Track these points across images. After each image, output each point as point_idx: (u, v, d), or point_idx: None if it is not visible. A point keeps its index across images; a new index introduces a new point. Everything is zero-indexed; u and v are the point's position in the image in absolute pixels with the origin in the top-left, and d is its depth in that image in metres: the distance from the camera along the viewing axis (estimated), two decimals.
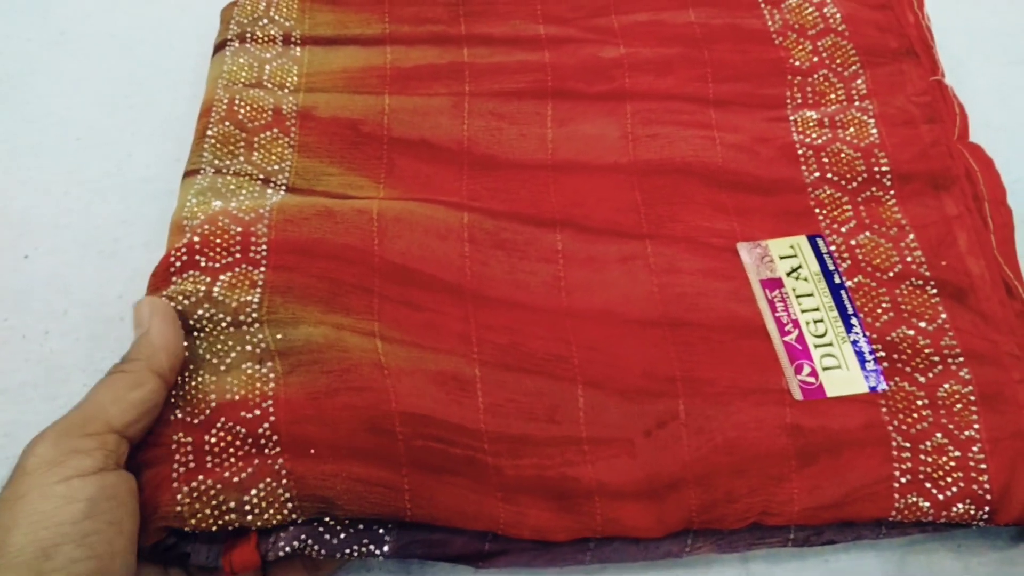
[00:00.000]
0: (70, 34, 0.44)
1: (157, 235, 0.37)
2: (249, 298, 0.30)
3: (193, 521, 0.26)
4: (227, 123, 0.36)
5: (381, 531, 0.28)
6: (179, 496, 0.26)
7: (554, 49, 0.40)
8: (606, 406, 0.30)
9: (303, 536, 0.27)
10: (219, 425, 0.27)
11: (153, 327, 0.28)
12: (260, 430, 0.27)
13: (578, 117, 0.38)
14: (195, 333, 0.29)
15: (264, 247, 0.32)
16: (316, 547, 0.27)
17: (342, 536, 0.27)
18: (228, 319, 0.30)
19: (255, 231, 0.32)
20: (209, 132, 0.35)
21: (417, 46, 0.40)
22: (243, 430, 0.27)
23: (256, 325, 0.30)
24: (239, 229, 0.32)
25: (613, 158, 0.37)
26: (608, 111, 0.38)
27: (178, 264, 0.31)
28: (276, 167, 0.35)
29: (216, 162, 0.34)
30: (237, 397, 0.28)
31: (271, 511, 0.26)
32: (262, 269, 0.31)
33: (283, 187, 0.35)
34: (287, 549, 0.27)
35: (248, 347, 0.29)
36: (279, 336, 0.29)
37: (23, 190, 0.39)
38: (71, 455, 0.23)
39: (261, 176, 0.35)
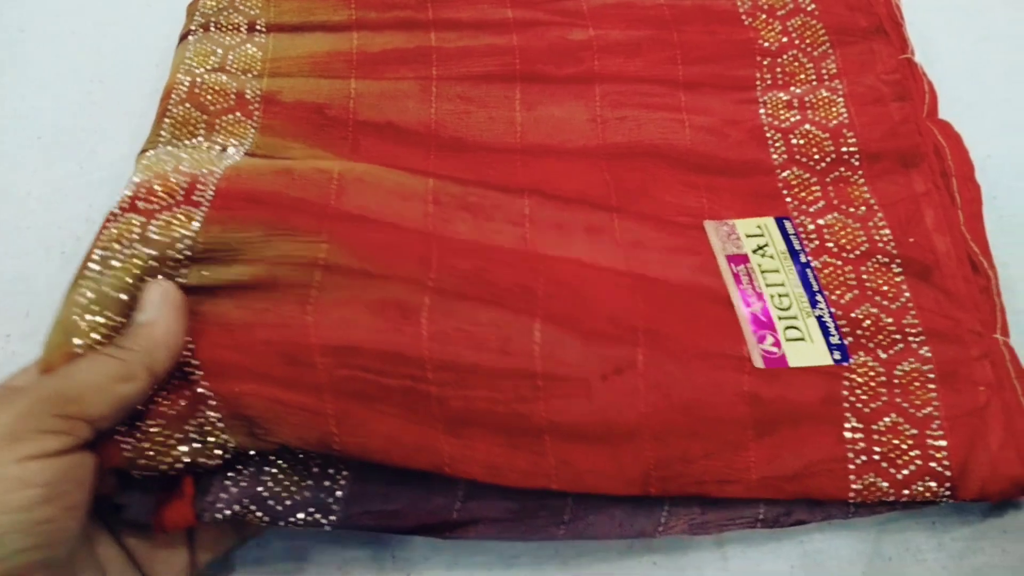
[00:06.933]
0: (30, 31, 0.43)
1: None
2: (184, 232, 0.28)
3: (141, 462, 0.25)
4: (187, 104, 0.35)
5: (329, 500, 0.27)
6: (125, 443, 0.25)
7: (522, 32, 0.39)
8: (563, 342, 0.29)
9: (245, 500, 0.26)
10: None
11: (162, 320, 0.25)
12: (181, 359, 0.26)
13: (547, 100, 0.38)
14: (109, 265, 0.27)
15: (211, 192, 0.30)
16: (259, 513, 0.26)
17: (287, 503, 0.27)
18: (155, 254, 0.28)
19: (203, 180, 0.30)
20: (169, 113, 0.34)
21: (384, 31, 0.39)
22: None
23: (185, 267, 0.28)
24: (186, 180, 0.30)
25: (582, 142, 0.37)
26: (577, 94, 0.38)
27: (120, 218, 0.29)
28: (236, 142, 0.34)
29: (175, 141, 0.33)
30: None
31: (210, 439, 0.26)
32: (203, 208, 0.29)
33: (242, 151, 0.34)
34: (227, 512, 0.26)
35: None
36: (205, 273, 0.28)
37: None
38: (35, 434, 0.21)
39: (220, 146, 0.34)
